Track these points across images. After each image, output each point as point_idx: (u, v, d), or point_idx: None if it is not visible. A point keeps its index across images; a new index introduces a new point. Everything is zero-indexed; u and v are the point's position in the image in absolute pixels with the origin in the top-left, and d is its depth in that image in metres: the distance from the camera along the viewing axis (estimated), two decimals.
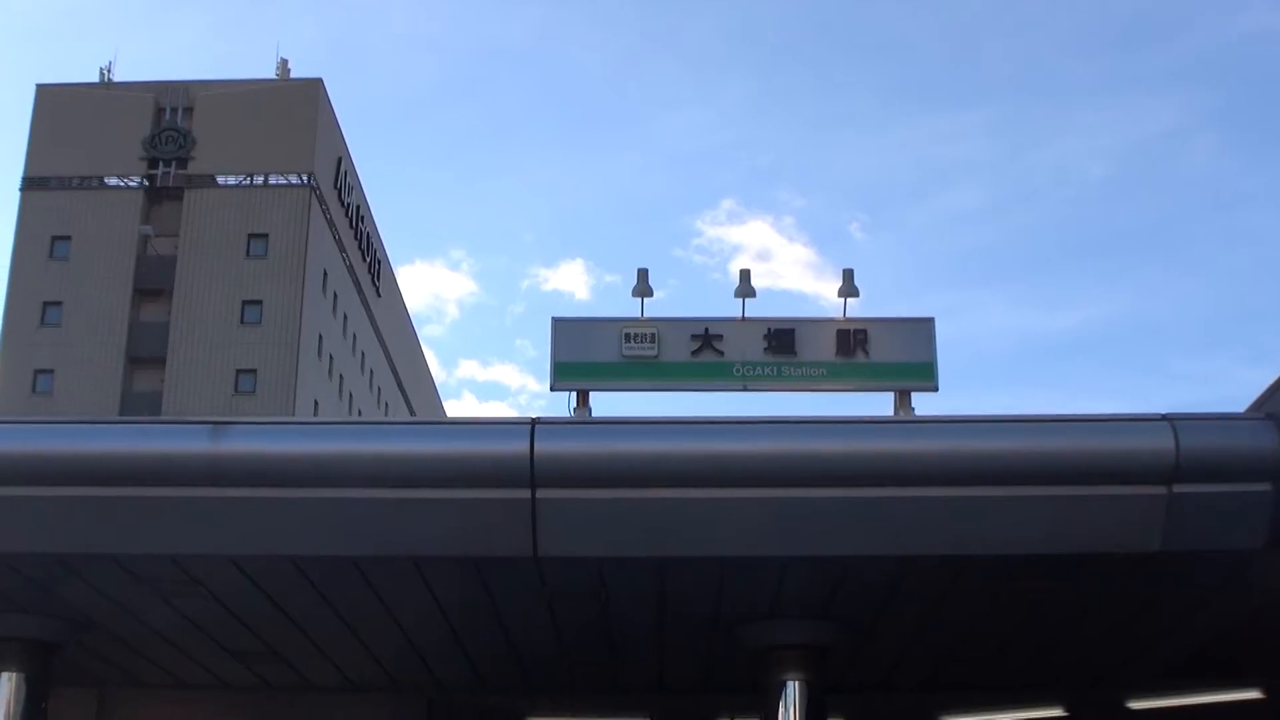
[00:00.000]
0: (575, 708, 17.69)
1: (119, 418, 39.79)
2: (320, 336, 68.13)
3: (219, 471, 10.53)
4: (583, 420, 14.97)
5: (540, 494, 10.40)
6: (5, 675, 12.51)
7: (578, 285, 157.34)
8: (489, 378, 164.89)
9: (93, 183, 69.50)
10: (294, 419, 23.83)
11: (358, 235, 77.25)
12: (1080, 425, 11.01)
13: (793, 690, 12.47)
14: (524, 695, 16.33)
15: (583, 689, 15.72)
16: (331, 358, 69.90)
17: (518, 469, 10.35)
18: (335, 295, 71.74)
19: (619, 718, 18.39)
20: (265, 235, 67.06)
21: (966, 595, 12.04)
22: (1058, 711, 17.79)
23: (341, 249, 73.55)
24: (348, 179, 75.09)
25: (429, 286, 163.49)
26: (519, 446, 10.41)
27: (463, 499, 10.50)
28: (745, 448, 10.77)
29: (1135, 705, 17.34)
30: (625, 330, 18.41)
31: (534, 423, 10.69)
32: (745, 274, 19.43)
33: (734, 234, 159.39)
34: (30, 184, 69.37)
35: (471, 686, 15.60)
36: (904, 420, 14.51)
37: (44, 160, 69.36)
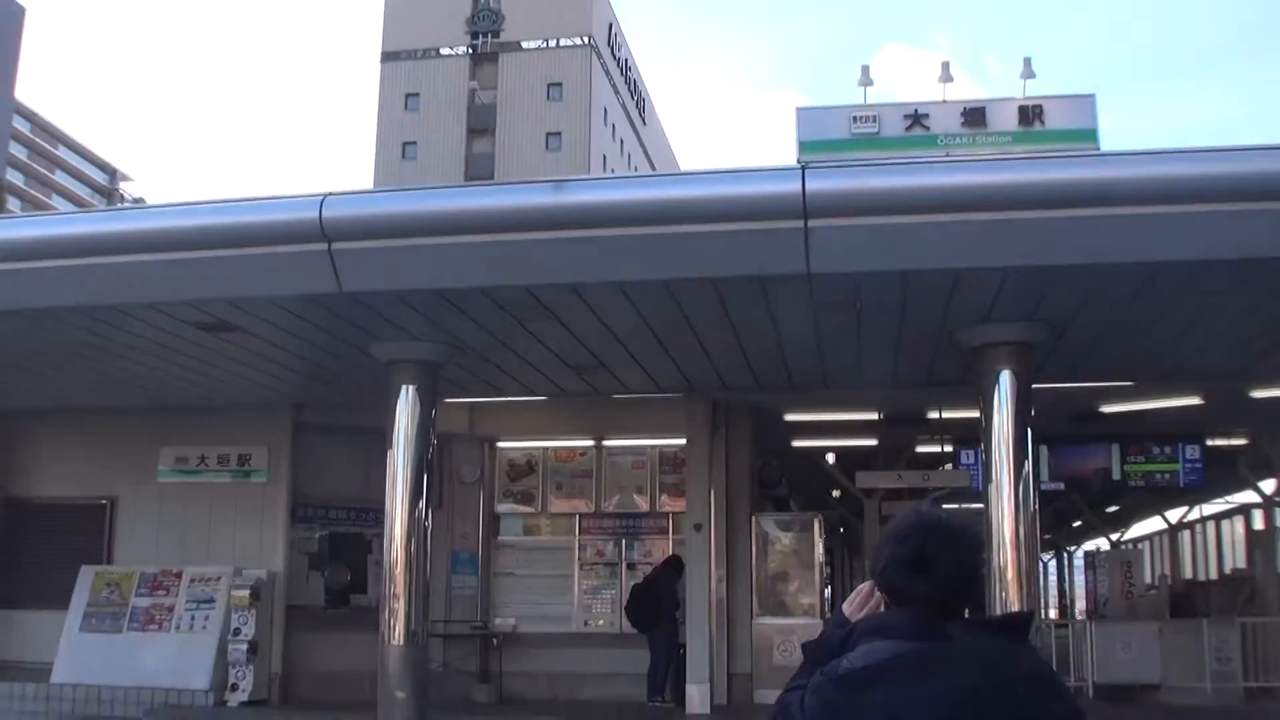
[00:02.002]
0: (823, 404, 17.10)
1: (486, 182, 40.97)
2: (604, 157, 71.94)
3: (561, 218, 10.02)
4: (841, 164, 14.07)
5: (811, 223, 9.66)
6: (404, 388, 12.27)
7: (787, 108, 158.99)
8: None
9: (431, 53, 72.13)
10: (617, 175, 22.46)
11: (627, 81, 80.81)
12: (1251, 152, 9.83)
13: (1005, 380, 11.67)
14: (786, 394, 15.76)
15: (832, 387, 15.02)
16: (613, 172, 71.57)
17: (793, 203, 9.59)
18: (613, 126, 75.34)
19: (855, 411, 17.80)
20: (560, 84, 70.97)
21: (1148, 299, 11.00)
22: (1195, 400, 16.83)
23: (615, 91, 77.20)
24: (617, 39, 78.59)
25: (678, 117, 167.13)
26: (794, 186, 9.66)
27: (751, 230, 9.81)
28: (971, 179, 9.89)
29: (1256, 394, 16.39)
30: (853, 114, 17.72)
31: (804, 167, 9.92)
32: (945, 65, 18.84)
33: (902, 70, 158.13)
34: (386, 57, 73.35)
35: (748, 388, 15.04)
36: (1090, 154, 13.32)
37: (394, 38, 73.25)
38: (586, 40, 70.80)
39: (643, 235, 9.94)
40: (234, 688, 15.31)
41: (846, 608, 3.23)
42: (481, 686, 16.52)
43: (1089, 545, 36.94)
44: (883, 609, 3.13)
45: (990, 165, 10.02)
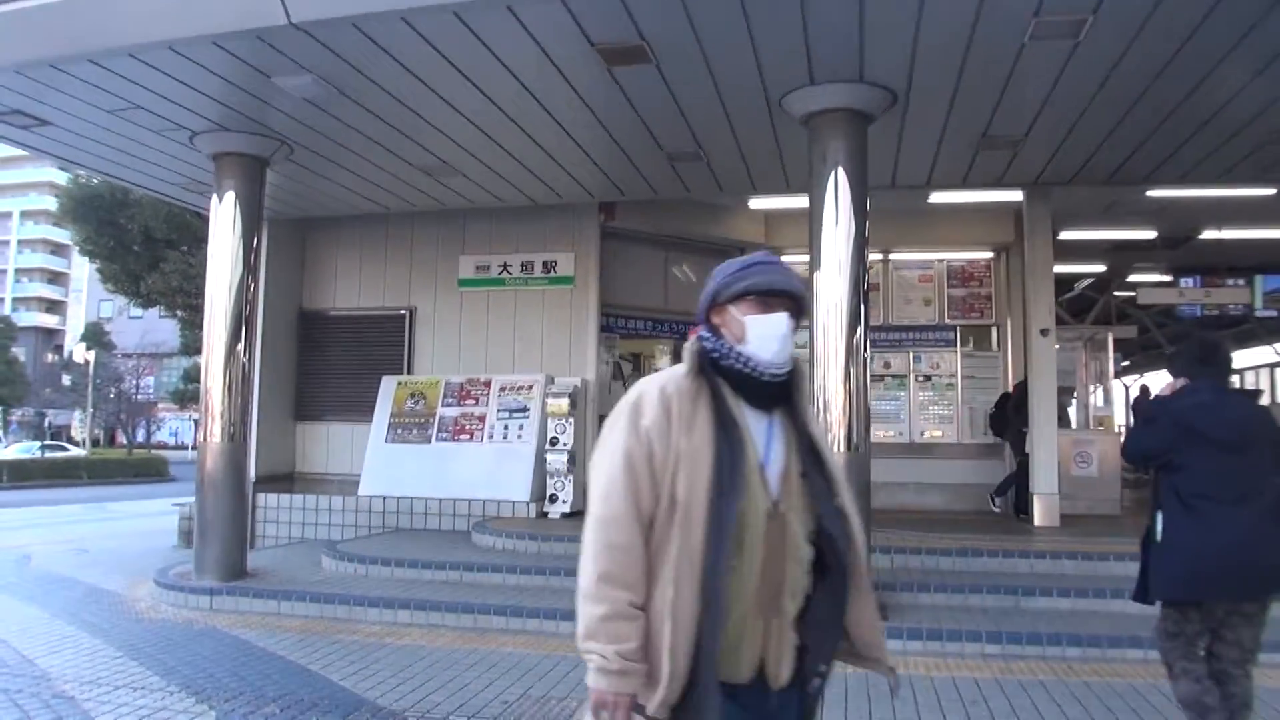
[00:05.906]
0: (1108, 220, 11.91)
1: None
2: None
3: None
4: None
5: None
6: (835, 170, 7.27)
7: None
8: None
9: None
10: None
11: None
12: None
13: None
14: (1095, 193, 10.50)
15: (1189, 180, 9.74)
16: None
17: None
18: None
19: (1133, 229, 12.74)
20: None
21: None
22: None
23: None
24: None
25: None
26: None
27: None
28: None
29: None
30: None
31: None
32: None
33: None
34: None
35: (1125, 181, 9.76)
36: None
37: None
38: None
39: None
40: (553, 499, 10.74)
41: (1164, 391, 4.34)
42: None
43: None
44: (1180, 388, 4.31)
45: None
